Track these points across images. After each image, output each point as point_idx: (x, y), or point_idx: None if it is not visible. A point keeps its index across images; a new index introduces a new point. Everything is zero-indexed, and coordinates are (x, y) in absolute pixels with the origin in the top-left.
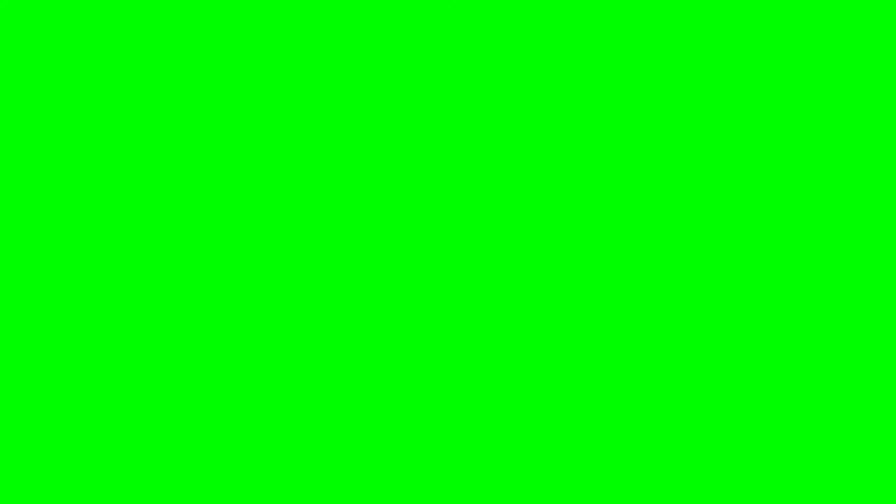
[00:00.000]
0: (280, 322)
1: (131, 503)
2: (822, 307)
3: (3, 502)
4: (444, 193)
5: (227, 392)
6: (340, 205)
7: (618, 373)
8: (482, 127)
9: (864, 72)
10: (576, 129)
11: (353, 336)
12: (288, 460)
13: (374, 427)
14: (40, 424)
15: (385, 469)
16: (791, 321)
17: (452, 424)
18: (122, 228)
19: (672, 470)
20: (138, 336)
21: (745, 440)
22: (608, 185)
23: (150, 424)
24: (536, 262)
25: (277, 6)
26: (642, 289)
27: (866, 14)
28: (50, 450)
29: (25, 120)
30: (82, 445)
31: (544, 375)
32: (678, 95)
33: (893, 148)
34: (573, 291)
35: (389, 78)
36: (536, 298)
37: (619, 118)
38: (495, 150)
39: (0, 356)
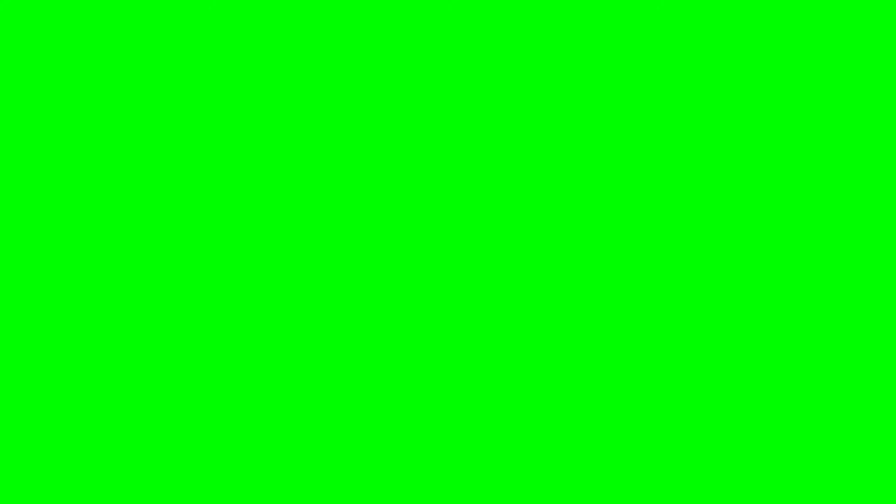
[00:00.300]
0: (280, 322)
1: (131, 503)
2: (822, 307)
3: (3, 502)
4: (444, 193)
5: (227, 392)
6: (340, 205)
7: (618, 373)
8: (482, 127)
9: (864, 72)
10: (576, 130)
11: (353, 336)
12: (288, 460)
13: (374, 427)
14: (40, 424)
15: (385, 469)
16: (791, 321)
17: (452, 424)
18: (123, 228)
19: (672, 470)
20: (138, 336)
21: (745, 440)
22: (608, 186)
23: (150, 424)
24: (536, 262)
25: (277, 6)
26: (642, 289)
27: (866, 14)
28: (50, 450)
29: (25, 120)
30: (82, 445)
31: (544, 375)
32: (678, 95)
33: (894, 148)
34: (573, 291)
35: (390, 78)
36: (536, 298)
37: (619, 118)
38: (495, 151)
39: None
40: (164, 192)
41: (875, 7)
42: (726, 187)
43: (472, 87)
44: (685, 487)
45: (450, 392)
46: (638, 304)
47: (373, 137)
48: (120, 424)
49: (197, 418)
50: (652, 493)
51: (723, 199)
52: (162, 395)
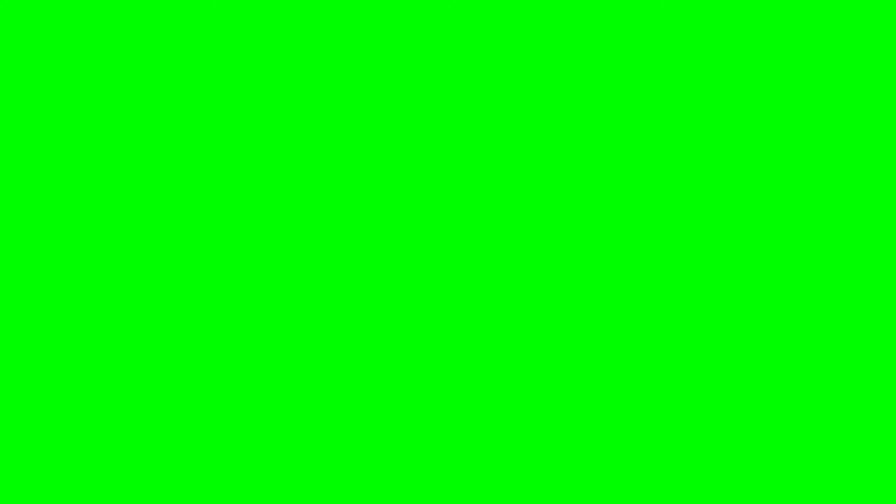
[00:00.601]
0: (280, 322)
1: (131, 503)
2: (822, 307)
3: (3, 502)
4: (444, 193)
5: (227, 392)
6: (340, 205)
7: (618, 373)
8: (482, 127)
9: (864, 72)
10: (576, 130)
11: (354, 336)
12: (288, 460)
13: (374, 427)
14: (40, 425)
15: (385, 469)
16: (791, 321)
17: (452, 425)
18: (123, 228)
19: (672, 470)
20: (138, 336)
21: (745, 440)
22: (608, 186)
23: (150, 424)
24: (536, 263)
25: (277, 6)
26: (642, 289)
27: (866, 14)
28: (50, 450)
29: (25, 120)
30: (82, 445)
31: (544, 376)
32: (678, 95)
33: (894, 148)
34: (573, 291)
35: (390, 78)
36: (536, 299)
37: (619, 118)
38: (495, 151)
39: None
40: (163, 192)
41: (875, 7)
42: (726, 187)
43: (472, 88)
44: (685, 487)
45: (449, 392)
46: (638, 304)
47: (373, 137)
48: (120, 424)
49: (197, 418)
50: (652, 494)
51: (722, 199)
52: (162, 394)
